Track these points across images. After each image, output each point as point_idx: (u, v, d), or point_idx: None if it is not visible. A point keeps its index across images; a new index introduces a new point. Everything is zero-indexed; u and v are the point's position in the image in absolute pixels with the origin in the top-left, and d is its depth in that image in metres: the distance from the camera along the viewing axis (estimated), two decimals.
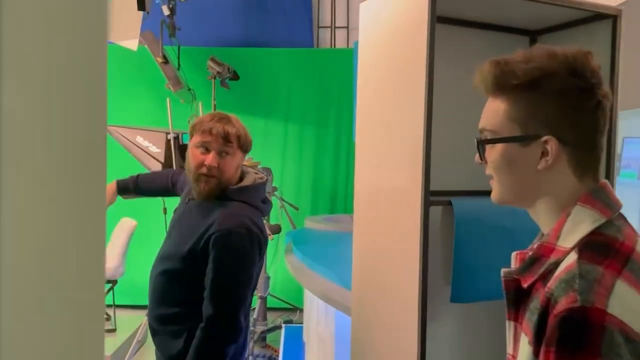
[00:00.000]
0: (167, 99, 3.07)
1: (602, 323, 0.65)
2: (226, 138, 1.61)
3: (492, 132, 0.84)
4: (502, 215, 1.38)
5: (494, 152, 0.85)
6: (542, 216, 0.84)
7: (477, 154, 0.87)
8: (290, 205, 4.45)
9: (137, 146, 3.06)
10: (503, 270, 0.85)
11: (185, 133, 2.99)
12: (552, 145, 0.79)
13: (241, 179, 1.71)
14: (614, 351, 0.65)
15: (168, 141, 3.00)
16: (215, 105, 3.84)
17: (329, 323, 2.22)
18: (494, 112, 0.84)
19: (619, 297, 0.67)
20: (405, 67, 1.43)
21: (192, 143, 1.65)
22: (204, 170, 1.60)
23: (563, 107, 0.78)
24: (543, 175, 0.81)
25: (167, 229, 1.78)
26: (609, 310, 0.66)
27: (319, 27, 5.86)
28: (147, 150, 3.03)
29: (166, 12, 4.14)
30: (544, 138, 0.79)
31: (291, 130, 5.47)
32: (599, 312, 0.66)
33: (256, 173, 1.78)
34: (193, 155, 1.64)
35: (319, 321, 2.42)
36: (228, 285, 1.56)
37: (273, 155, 5.37)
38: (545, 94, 0.79)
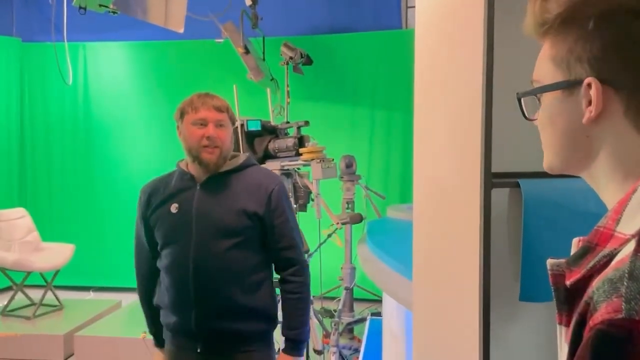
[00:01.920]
0: (234, 86, 3.06)
1: None
2: (219, 109, 1.68)
3: (538, 81, 0.67)
4: (583, 197, 1.14)
5: (540, 107, 0.68)
6: (603, 188, 0.64)
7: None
8: (376, 193, 4.30)
9: None
10: (549, 262, 0.66)
11: (251, 120, 2.96)
12: (595, 89, 0.59)
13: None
14: None
15: (235, 128, 2.99)
16: (289, 92, 3.80)
17: (400, 317, 2.06)
18: (540, 57, 0.67)
19: None
20: (462, 40, 1.24)
21: (186, 123, 1.69)
22: (205, 142, 1.66)
23: (610, 37, 0.58)
24: (594, 131, 0.61)
25: (168, 226, 1.71)
26: None
27: (407, 7, 5.61)
28: None
29: (248, 2, 4.16)
30: (586, 81, 0.60)
31: (378, 117, 5.31)
32: None
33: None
34: (190, 133, 1.68)
35: (391, 315, 2.27)
36: (297, 227, 1.79)
37: (360, 142, 5.25)
38: (587, 23, 0.59)
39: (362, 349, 3.24)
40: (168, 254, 1.71)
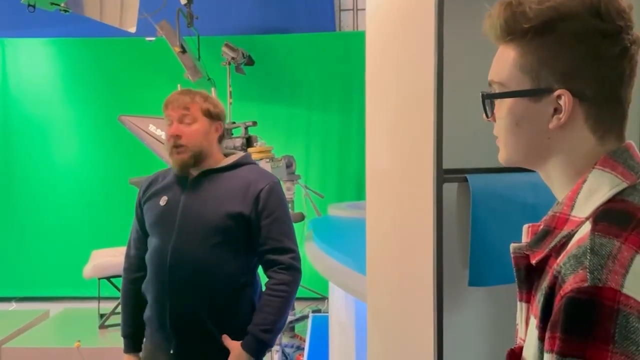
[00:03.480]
0: (178, 85, 3.03)
1: (616, 305, 0.55)
2: (183, 106, 1.65)
3: (500, 84, 0.74)
4: (524, 190, 1.26)
5: (502, 108, 0.74)
6: (555, 181, 0.73)
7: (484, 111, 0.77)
8: (315, 193, 4.38)
9: (150, 135, 3.04)
10: (512, 246, 0.75)
11: None
12: (566, 100, 0.67)
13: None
14: (629, 338, 0.54)
15: None
16: (231, 92, 3.79)
17: (349, 311, 2.14)
18: (503, 61, 0.73)
19: (637, 275, 0.56)
20: (412, 38, 1.33)
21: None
22: (171, 141, 1.65)
23: (581, 54, 0.67)
24: (555, 134, 0.70)
25: (154, 218, 1.70)
26: (625, 291, 0.55)
27: (340, 10, 5.73)
28: (159, 139, 3.01)
29: (183, 0, 4.10)
30: (557, 92, 0.68)
31: (315, 117, 5.39)
32: (612, 293, 0.55)
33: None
34: (166, 132, 1.70)
35: (340, 309, 2.34)
36: (291, 229, 1.72)
37: (297, 142, 5.31)
38: (561, 40, 0.67)
39: (306, 346, 3.30)
40: (150, 245, 1.69)
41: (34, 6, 3.38)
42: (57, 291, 5.43)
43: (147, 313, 1.71)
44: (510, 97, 0.72)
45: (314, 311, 4.19)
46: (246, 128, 2.92)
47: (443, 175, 1.27)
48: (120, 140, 4.96)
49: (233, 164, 1.72)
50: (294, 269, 1.68)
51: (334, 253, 2.04)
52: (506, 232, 1.26)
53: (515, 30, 0.70)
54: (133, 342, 1.79)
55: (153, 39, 4.96)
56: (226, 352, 1.62)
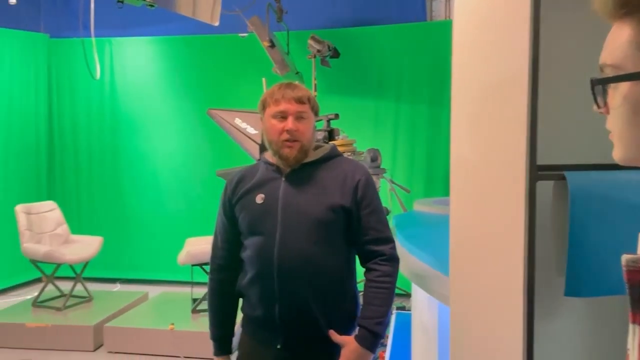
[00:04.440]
0: (263, 79, 3.06)
1: None
2: (299, 101, 1.64)
3: (615, 67, 0.62)
4: (632, 190, 1.11)
5: (616, 96, 0.63)
6: None
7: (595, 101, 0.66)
8: (401, 187, 4.28)
9: (236, 128, 3.10)
10: (626, 257, 0.63)
11: None
12: None
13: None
14: None
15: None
16: (316, 85, 3.78)
17: (432, 312, 2.05)
18: (618, 40, 0.62)
19: None
20: (505, 23, 1.22)
21: (267, 116, 1.67)
22: (285, 136, 1.63)
23: None
24: None
25: (252, 216, 1.67)
26: None
27: None
28: (244, 132, 3.07)
29: None
30: None
31: (403, 110, 5.26)
32: None
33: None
34: (271, 126, 1.65)
35: (422, 309, 2.26)
36: (386, 219, 1.71)
37: (383, 135, 5.22)
38: None
39: (389, 344, 3.23)
40: (252, 244, 1.66)
41: (122, 2, 3.58)
42: (156, 275, 5.78)
43: (250, 311, 1.70)
44: (627, 80, 0.61)
45: (398, 308, 4.11)
46: (328, 121, 2.89)
47: (537, 172, 1.16)
48: (213, 133, 5.15)
49: (326, 156, 1.71)
50: (394, 260, 1.67)
51: (417, 251, 1.95)
52: (610, 238, 1.13)
53: (627, 2, 0.59)
54: (223, 345, 1.78)
55: (246, 35, 5.11)
56: (332, 345, 1.61)
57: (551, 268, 1.23)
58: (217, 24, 3.66)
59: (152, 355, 3.91)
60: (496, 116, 1.29)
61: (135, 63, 5.88)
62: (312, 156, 1.69)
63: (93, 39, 4.63)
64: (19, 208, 4.58)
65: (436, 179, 5.10)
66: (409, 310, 3.75)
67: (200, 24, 4.03)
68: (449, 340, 1.51)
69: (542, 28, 1.14)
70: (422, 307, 2.33)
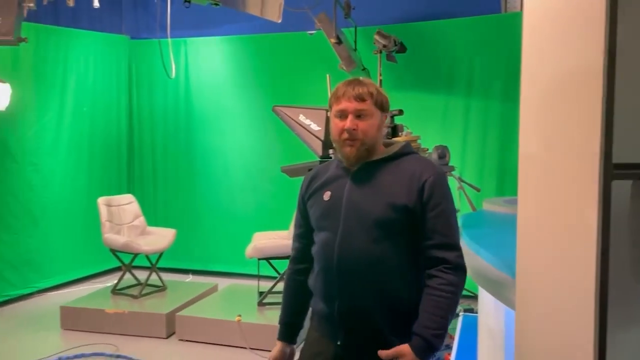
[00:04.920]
0: (327, 76, 3.06)
1: None
2: (359, 98, 1.60)
3: None
4: None
5: None
6: None
7: None
8: (470, 186, 4.15)
9: (300, 124, 3.13)
10: None
11: None
12: None
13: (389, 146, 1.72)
14: None
15: (328, 118, 2.99)
16: (381, 81, 3.73)
17: (499, 316, 1.97)
18: None
19: None
20: (579, 11, 1.14)
21: (332, 113, 1.66)
22: (345, 135, 1.61)
23: None
24: None
25: (319, 213, 1.69)
26: None
27: None
28: (308, 128, 3.08)
29: None
30: None
31: (474, 105, 5.09)
32: None
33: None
34: (334, 125, 1.65)
35: (489, 313, 2.17)
36: (457, 224, 1.62)
37: (452, 132, 5.08)
38: None
39: (454, 346, 3.15)
40: (318, 240, 1.69)
41: (189, 1, 3.70)
42: (225, 267, 5.97)
43: (315, 304, 1.73)
44: None
45: (465, 310, 3.99)
46: (392, 117, 2.84)
47: (612, 170, 1.08)
48: (281, 129, 5.24)
49: (395, 154, 1.66)
50: (460, 269, 1.57)
51: (482, 252, 1.88)
52: None
53: None
54: (287, 331, 1.82)
55: (314, 32, 5.14)
56: (391, 345, 1.58)
57: (626, 273, 1.14)
58: (279, 20, 3.71)
59: (220, 345, 4.04)
60: (568, 111, 1.21)
61: (207, 62, 6.09)
62: (382, 154, 1.66)
63: (169, 40, 4.84)
64: (101, 200, 4.88)
65: (508, 177, 4.89)
66: (477, 313, 3.63)
67: (268, 22, 4.11)
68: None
69: (619, 15, 1.06)
70: (488, 310, 2.25)
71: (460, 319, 3.60)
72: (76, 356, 3.87)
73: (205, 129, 6.11)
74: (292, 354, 1.84)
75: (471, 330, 3.18)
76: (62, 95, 5.57)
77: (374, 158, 1.65)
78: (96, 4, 4.41)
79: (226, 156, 6.03)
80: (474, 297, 4.37)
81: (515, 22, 4.96)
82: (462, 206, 4.16)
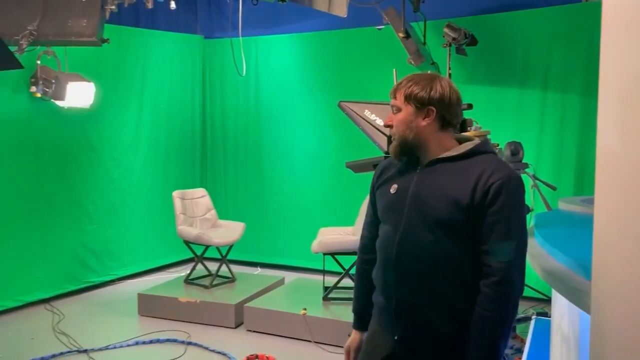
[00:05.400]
0: (394, 70, 3.02)
1: None
2: (392, 93, 1.65)
3: None
4: None
5: None
6: None
7: None
8: (545, 184, 3.96)
9: (365, 120, 3.11)
10: None
11: None
12: None
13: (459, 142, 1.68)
14: None
15: None
16: (450, 75, 3.63)
17: (573, 321, 1.87)
18: None
19: None
20: None
21: None
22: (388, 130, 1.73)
23: None
24: None
25: (384, 206, 1.70)
26: None
27: None
28: (373, 124, 3.06)
29: None
30: None
31: (550, 99, 4.85)
32: None
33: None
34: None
35: (562, 317, 2.07)
36: (519, 233, 1.52)
37: (526, 127, 4.86)
38: None
39: (526, 349, 3.03)
40: (382, 233, 1.70)
41: None
42: (292, 261, 6.07)
43: (376, 297, 1.74)
44: None
45: (538, 313, 3.82)
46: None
47: None
48: (347, 125, 5.24)
49: (467, 152, 1.60)
50: (507, 283, 1.48)
51: (556, 252, 1.79)
52: None
53: None
54: (361, 319, 1.84)
55: (382, 27, 5.10)
56: (449, 346, 1.56)
57: None
58: (345, 15, 3.71)
59: (286, 337, 4.11)
60: None
61: (276, 59, 6.19)
62: (453, 150, 1.62)
63: (240, 39, 4.97)
64: (176, 194, 5.10)
65: (587, 175, 4.62)
66: (550, 317, 3.48)
67: (336, 19, 4.11)
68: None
69: None
70: (562, 313, 2.14)
71: (532, 322, 3.45)
72: (152, 341, 4.08)
73: (273, 125, 6.22)
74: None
75: (544, 334, 3.04)
76: (141, 93, 5.86)
77: (442, 155, 1.61)
78: (173, 5, 4.61)
79: (293, 152, 6.11)
80: (547, 301, 4.18)
81: (597, 11, 4.67)
82: (536, 205, 3.98)
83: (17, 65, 2.77)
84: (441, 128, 1.62)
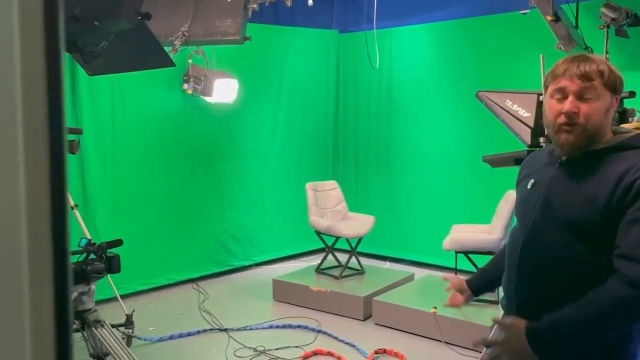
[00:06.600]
0: (541, 56, 2.75)
1: None
2: (584, 77, 1.36)
3: None
4: None
5: None
6: None
7: None
8: None
9: (506, 110, 2.88)
10: None
11: None
12: None
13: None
14: None
15: (540, 103, 2.68)
16: (607, 59, 3.22)
17: None
18: None
19: None
20: None
21: (547, 94, 1.45)
22: (562, 119, 1.40)
23: None
24: None
25: (519, 201, 1.60)
26: None
27: None
28: (515, 114, 2.81)
29: None
30: None
31: None
32: None
33: None
34: (549, 107, 1.45)
35: None
36: None
37: None
38: None
39: None
40: (511, 232, 1.62)
41: None
42: (421, 257, 5.93)
43: (503, 297, 1.66)
44: None
45: None
46: (621, 100, 2.44)
47: None
48: (485, 117, 4.97)
49: (617, 145, 1.41)
50: (637, 287, 1.27)
51: None
52: None
53: None
54: (475, 279, 1.84)
55: (527, 11, 4.73)
56: (577, 354, 1.40)
57: None
58: None
59: (414, 334, 4.03)
60: None
61: (411, 50, 6.07)
62: (603, 143, 1.42)
63: (374, 31, 4.95)
64: (309, 185, 5.26)
65: None
66: None
67: (476, 5, 3.89)
68: None
69: None
70: None
71: None
72: (285, 326, 4.26)
73: (405, 118, 6.11)
74: (468, 299, 1.83)
75: None
76: (279, 88, 6.12)
77: (593, 148, 1.42)
78: (310, 2, 4.72)
79: (426, 145, 5.96)
80: None
81: None
82: None
83: (170, 63, 3.03)
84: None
